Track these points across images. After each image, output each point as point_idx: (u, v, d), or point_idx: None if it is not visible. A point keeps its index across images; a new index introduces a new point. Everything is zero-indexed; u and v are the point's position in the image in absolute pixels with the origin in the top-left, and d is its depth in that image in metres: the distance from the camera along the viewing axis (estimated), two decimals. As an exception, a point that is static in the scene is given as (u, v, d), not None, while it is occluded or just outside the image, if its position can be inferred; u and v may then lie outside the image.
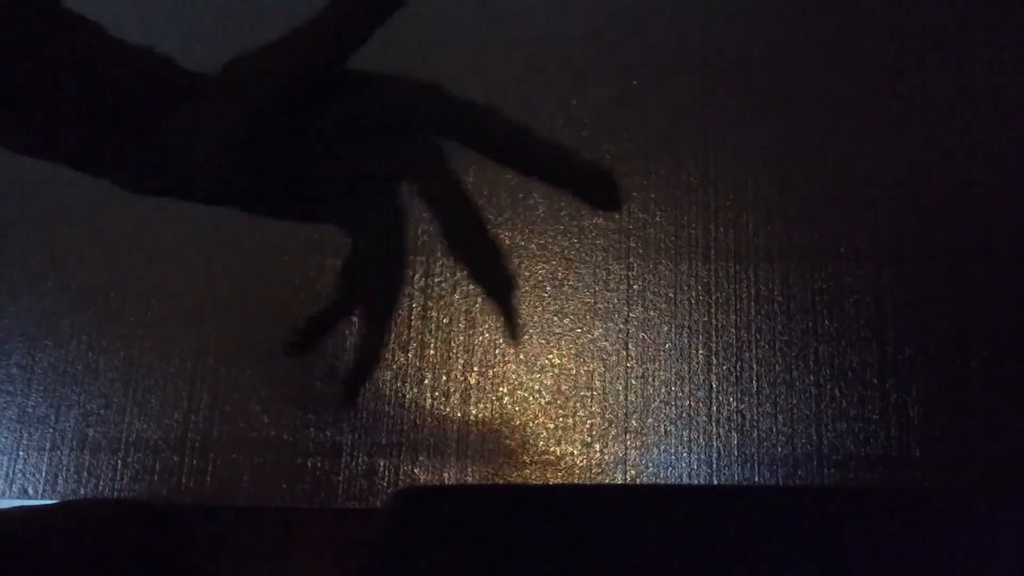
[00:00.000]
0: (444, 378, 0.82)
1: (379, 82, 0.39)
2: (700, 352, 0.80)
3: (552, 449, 0.79)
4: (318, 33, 0.38)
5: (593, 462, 0.78)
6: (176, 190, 0.44)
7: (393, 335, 0.82)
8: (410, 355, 0.83)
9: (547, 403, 0.81)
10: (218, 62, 0.44)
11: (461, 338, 0.83)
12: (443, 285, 0.85)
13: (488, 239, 0.37)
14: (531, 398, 0.81)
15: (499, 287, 0.37)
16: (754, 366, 0.79)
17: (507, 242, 0.85)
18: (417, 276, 0.85)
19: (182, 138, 0.40)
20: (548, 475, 0.78)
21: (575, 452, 0.79)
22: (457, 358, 0.83)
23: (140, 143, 0.42)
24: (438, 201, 0.37)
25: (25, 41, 0.42)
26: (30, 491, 0.84)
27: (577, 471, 0.78)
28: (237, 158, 0.39)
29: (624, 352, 0.81)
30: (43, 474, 0.84)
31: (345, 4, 0.38)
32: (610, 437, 0.79)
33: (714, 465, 0.77)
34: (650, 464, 0.78)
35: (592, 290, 0.83)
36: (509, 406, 0.81)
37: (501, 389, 0.81)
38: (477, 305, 0.84)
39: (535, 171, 0.35)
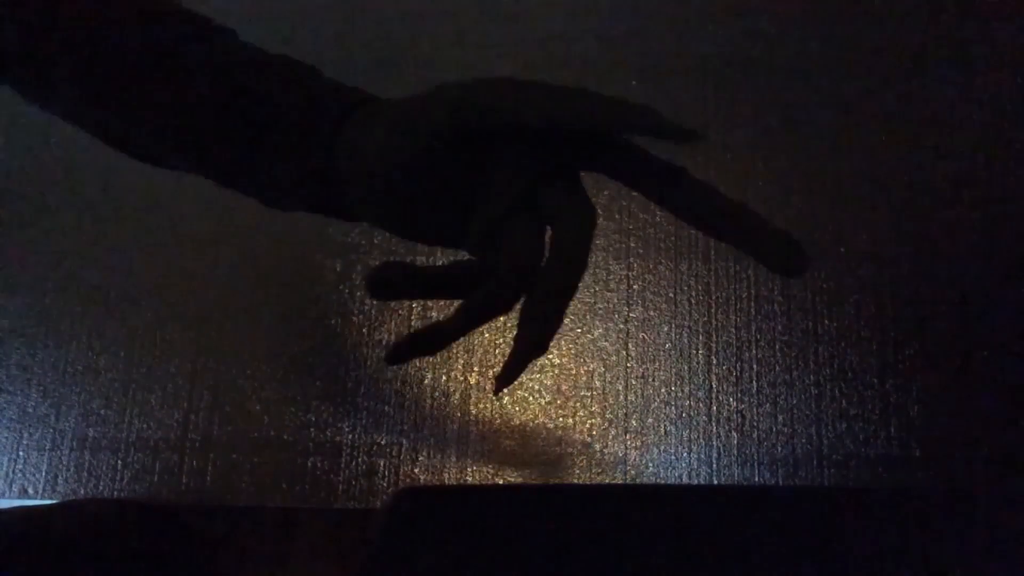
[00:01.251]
0: (444, 378, 0.82)
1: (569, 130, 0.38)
2: (700, 352, 0.80)
3: (552, 449, 0.79)
4: (560, 108, 0.37)
5: (593, 462, 0.78)
6: (331, 208, 0.42)
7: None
8: (410, 355, 0.83)
9: (547, 403, 0.81)
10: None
11: (461, 338, 0.83)
12: (443, 285, 0.85)
13: (561, 312, 0.38)
14: (531, 398, 0.81)
15: (532, 346, 0.38)
16: (754, 366, 0.79)
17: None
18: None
19: (360, 158, 0.39)
20: (548, 475, 0.78)
21: (575, 452, 0.79)
22: (457, 358, 0.83)
23: (302, 160, 0.41)
24: (560, 257, 0.38)
25: (160, 50, 0.41)
26: (30, 491, 0.84)
27: (577, 471, 0.78)
28: (415, 179, 0.38)
29: (624, 352, 0.81)
30: (43, 474, 0.84)
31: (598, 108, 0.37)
32: (610, 437, 0.79)
33: (714, 465, 0.77)
34: (650, 464, 0.78)
35: (592, 290, 0.83)
36: (509, 406, 0.81)
37: (501, 389, 0.81)
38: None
39: (720, 233, 0.36)
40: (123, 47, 0.41)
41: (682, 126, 0.36)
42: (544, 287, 0.38)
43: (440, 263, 0.86)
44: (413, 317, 0.84)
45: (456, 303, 0.84)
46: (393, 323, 0.84)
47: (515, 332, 0.39)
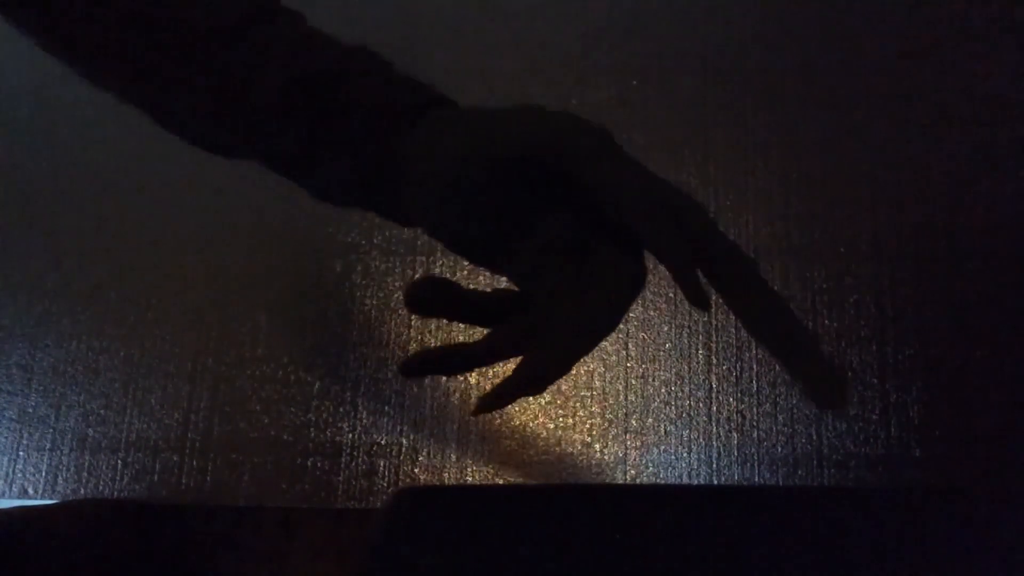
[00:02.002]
0: (444, 378, 0.82)
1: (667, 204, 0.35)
2: (700, 352, 0.80)
3: (552, 449, 0.79)
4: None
5: (593, 462, 0.78)
6: (385, 208, 0.40)
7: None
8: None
9: (547, 403, 0.81)
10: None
11: (461, 338, 0.83)
12: (443, 285, 0.85)
13: (570, 364, 0.37)
14: (531, 398, 0.81)
15: (529, 384, 0.37)
16: (754, 366, 0.79)
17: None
18: (416, 276, 0.85)
19: (428, 162, 0.37)
20: (548, 475, 0.78)
21: (575, 452, 0.79)
22: (457, 358, 0.83)
23: (366, 155, 0.38)
24: (588, 313, 0.36)
25: (223, 30, 0.39)
26: (30, 491, 0.84)
27: (577, 471, 0.78)
28: (481, 196, 0.37)
29: (624, 352, 0.81)
30: (43, 474, 0.84)
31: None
32: (610, 437, 0.79)
33: (714, 465, 0.77)
34: (650, 464, 0.78)
35: (592, 290, 0.83)
36: (509, 406, 0.81)
37: (501, 389, 0.81)
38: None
39: (767, 346, 0.34)
40: (183, 24, 0.40)
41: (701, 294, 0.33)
42: (563, 334, 0.36)
43: (436, 267, 0.86)
44: (413, 317, 0.84)
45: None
46: (393, 323, 0.84)
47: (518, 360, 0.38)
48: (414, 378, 0.39)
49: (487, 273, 0.85)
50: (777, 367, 0.79)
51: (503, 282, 0.84)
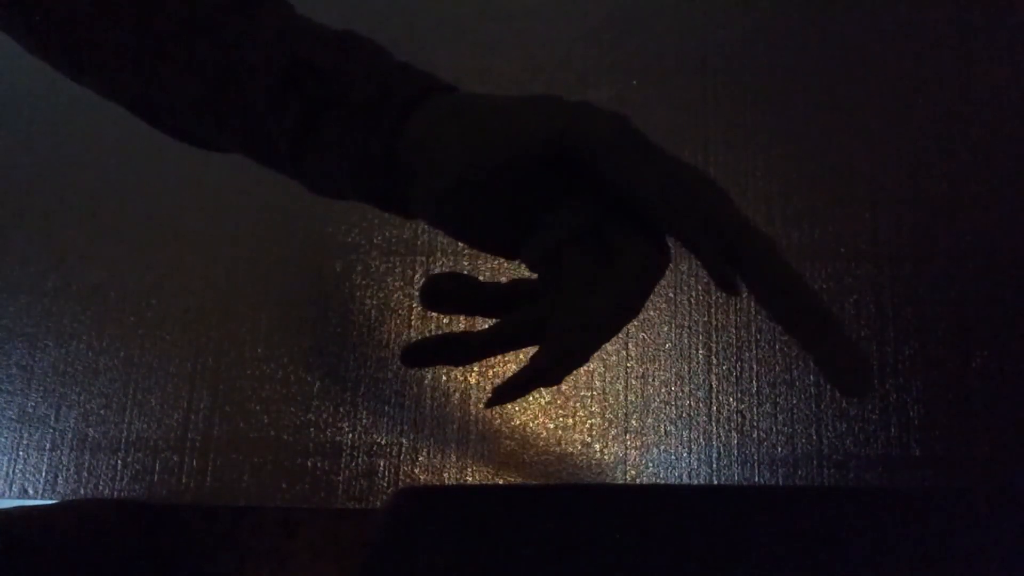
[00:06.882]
0: (444, 378, 0.82)
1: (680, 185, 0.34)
2: (700, 352, 0.80)
3: (552, 449, 0.79)
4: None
5: (593, 462, 0.78)
6: (385, 201, 0.38)
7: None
8: (410, 355, 0.83)
9: (547, 403, 0.81)
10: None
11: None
12: (443, 285, 0.85)
13: (590, 351, 0.35)
14: (531, 398, 0.81)
15: (545, 374, 0.35)
16: (754, 366, 0.79)
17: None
18: (417, 276, 0.85)
19: (432, 154, 0.35)
20: (548, 475, 0.78)
21: (575, 452, 0.79)
22: (457, 358, 0.83)
23: (362, 146, 0.36)
24: (610, 297, 0.35)
25: (204, 17, 0.38)
26: (30, 491, 0.84)
27: (577, 471, 0.78)
28: (489, 187, 0.35)
29: (624, 352, 0.81)
30: (43, 474, 0.84)
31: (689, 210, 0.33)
32: (610, 437, 0.79)
33: (714, 465, 0.77)
34: (650, 464, 0.78)
35: (592, 290, 0.83)
36: (509, 406, 0.81)
37: (501, 389, 0.81)
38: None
39: (790, 326, 0.33)
40: (163, 13, 0.38)
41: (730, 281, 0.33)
42: (583, 321, 0.34)
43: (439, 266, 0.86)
44: (413, 317, 0.84)
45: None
46: (393, 323, 0.84)
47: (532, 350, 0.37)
48: (418, 367, 0.37)
49: (488, 271, 0.85)
50: (776, 368, 0.79)
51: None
